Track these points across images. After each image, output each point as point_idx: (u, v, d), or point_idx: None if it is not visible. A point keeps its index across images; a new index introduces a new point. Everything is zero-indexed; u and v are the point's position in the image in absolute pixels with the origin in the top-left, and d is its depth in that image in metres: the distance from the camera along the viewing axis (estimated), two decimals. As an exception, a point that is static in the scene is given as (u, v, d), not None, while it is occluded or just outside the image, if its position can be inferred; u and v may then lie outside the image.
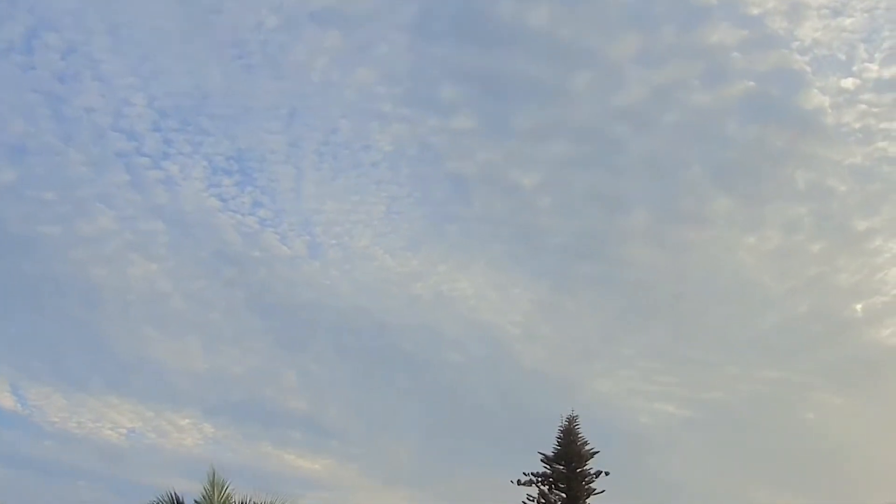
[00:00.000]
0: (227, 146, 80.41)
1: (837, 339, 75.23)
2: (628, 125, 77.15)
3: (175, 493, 31.97)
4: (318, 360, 77.10)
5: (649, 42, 74.93)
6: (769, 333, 75.52)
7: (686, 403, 72.50)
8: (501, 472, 62.97)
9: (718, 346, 75.07)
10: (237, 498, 32.50)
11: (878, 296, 77.10)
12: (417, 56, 77.72)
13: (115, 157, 77.87)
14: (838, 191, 76.94)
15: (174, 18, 76.85)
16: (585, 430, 49.33)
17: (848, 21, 75.07)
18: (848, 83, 75.23)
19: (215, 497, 31.58)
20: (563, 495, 48.92)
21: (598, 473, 49.03)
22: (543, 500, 48.72)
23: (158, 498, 31.60)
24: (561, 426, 49.28)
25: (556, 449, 49.08)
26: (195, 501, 31.25)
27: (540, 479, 49.08)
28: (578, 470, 48.97)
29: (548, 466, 49.15)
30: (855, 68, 75.35)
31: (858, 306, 77.33)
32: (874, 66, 74.90)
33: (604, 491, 48.72)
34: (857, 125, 74.91)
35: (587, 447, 49.02)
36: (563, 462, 49.04)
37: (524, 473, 49.01)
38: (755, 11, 73.67)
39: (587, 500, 48.67)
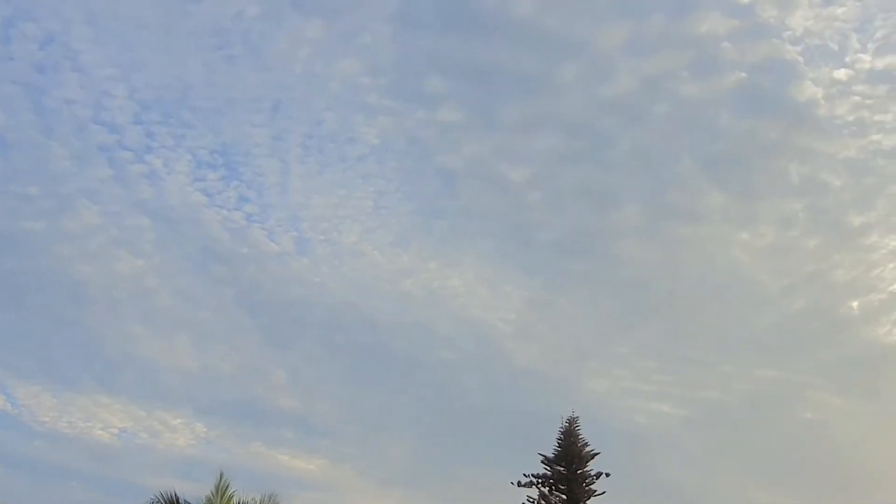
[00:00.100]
0: (211, 139, 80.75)
1: (834, 337, 75.77)
2: (618, 118, 77.50)
3: (175, 494, 32.67)
4: (308, 359, 77.24)
5: (638, 31, 75.09)
6: (765, 332, 75.97)
7: (683, 403, 72.85)
8: (498, 472, 63.36)
9: (714, 345, 75.60)
10: (236, 499, 32.85)
11: (875, 293, 77.38)
12: (402, 47, 77.73)
13: (98, 151, 77.88)
14: (833, 185, 77.16)
15: (152, 7, 76.98)
16: (582, 431, 49.27)
17: (840, 10, 75.62)
18: (841, 74, 75.40)
19: (220, 502, 31.74)
20: (564, 497, 48.93)
21: (598, 475, 49.04)
22: (544, 502, 48.73)
23: (158, 497, 32.45)
24: (561, 427, 49.25)
25: (557, 450, 49.00)
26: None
27: (540, 480, 49.06)
28: (579, 471, 48.97)
29: (548, 468, 49.08)
30: (848, 59, 75.63)
31: (855, 304, 77.62)
32: (867, 57, 75.16)
33: (604, 492, 48.73)
34: (851, 117, 75.06)
35: (588, 448, 49.02)
36: (563, 463, 49.01)
37: (524, 475, 48.95)
38: (746, 0, 74.09)
39: (587, 502, 48.65)
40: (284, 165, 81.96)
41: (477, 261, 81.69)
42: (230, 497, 33.08)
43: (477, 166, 79.84)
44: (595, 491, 48.67)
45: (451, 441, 70.02)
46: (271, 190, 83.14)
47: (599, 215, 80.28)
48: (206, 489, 33.01)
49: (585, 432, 49.23)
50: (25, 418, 71.04)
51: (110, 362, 74.80)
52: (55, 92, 77.39)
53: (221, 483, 33.02)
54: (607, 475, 48.73)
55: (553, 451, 48.92)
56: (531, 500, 48.73)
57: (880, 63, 74.75)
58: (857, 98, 74.58)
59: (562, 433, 49.12)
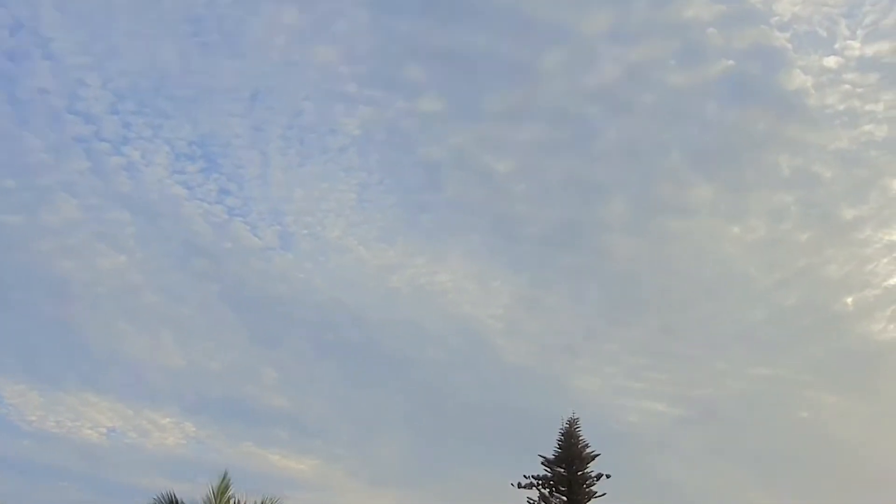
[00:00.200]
0: (189, 130, 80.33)
1: (828, 334, 76.11)
2: (603, 107, 77.45)
3: (174, 495, 32.35)
4: (296, 357, 77.02)
5: (621, 18, 74.63)
6: (758, 328, 76.08)
7: (676, 402, 72.74)
8: (492, 471, 63.96)
9: (706, 342, 75.59)
10: (234, 501, 32.76)
11: (869, 288, 77.44)
12: (379, 33, 77.43)
13: (74, 143, 77.19)
14: (824, 177, 77.27)
15: (123, -9, 75.67)
16: (582, 432, 49.42)
17: (828, -6, 75.05)
18: (830, 62, 75.19)
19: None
20: (564, 499, 49.24)
21: (598, 476, 49.40)
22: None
23: (157, 499, 32.11)
24: (561, 428, 49.46)
25: (557, 451, 49.26)
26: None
27: (540, 481, 49.35)
28: (579, 473, 49.25)
29: (548, 469, 49.40)
30: (837, 46, 75.48)
31: (849, 299, 77.71)
32: (856, 44, 74.92)
33: (605, 494, 49.09)
34: (842, 107, 74.85)
35: (588, 450, 49.28)
36: (563, 465, 49.27)
37: (524, 476, 49.14)
38: (731, -16, 73.31)
39: (588, 504, 48.82)
40: (265, 157, 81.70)
41: (464, 256, 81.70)
42: (229, 499, 32.96)
43: (461, 158, 79.78)
44: (595, 493, 49.08)
45: (444, 440, 70.33)
46: (252, 183, 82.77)
47: (586, 208, 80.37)
48: (200, 489, 33.14)
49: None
50: (12, 417, 70.73)
51: (96, 360, 74.58)
52: (28, 81, 76.96)
53: (221, 484, 32.91)
54: (608, 477, 49.21)
55: (553, 453, 49.19)
56: (531, 501, 48.99)
57: (870, 50, 74.61)
58: (847, 87, 74.56)
59: (562, 434, 49.36)
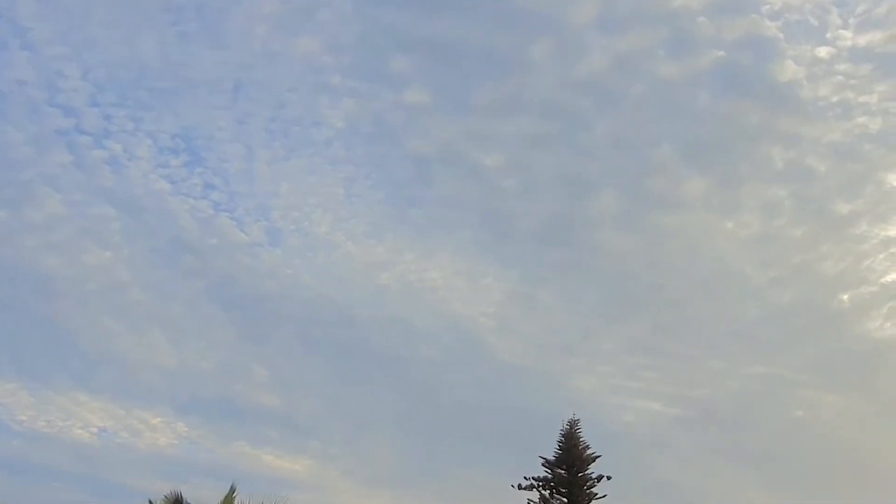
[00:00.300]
0: (172, 123, 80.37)
1: (825, 332, 76.61)
2: (592, 99, 77.95)
3: (180, 495, 33.26)
4: (287, 355, 77.07)
5: (609, 6, 75.40)
6: (753, 326, 76.50)
7: (672, 401, 72.98)
8: (488, 471, 64.50)
9: (701, 340, 76.14)
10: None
11: (866, 285, 77.78)
12: (363, 23, 77.63)
13: (56, 136, 77.56)
14: (818, 171, 77.75)
15: (100, -21, 75.16)
16: (582, 434, 49.58)
17: (819, -18, 74.93)
18: (822, 52, 75.33)
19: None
20: (565, 500, 49.41)
21: (599, 478, 49.67)
22: (544, 505, 48.81)
23: (164, 499, 33.06)
24: (562, 430, 49.63)
25: (557, 453, 49.44)
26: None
27: (541, 483, 49.51)
28: (580, 474, 49.40)
29: (548, 470, 49.51)
30: (829, 35, 75.74)
31: (845, 296, 78.16)
32: (848, 34, 75.17)
33: (605, 496, 49.20)
34: (835, 98, 75.21)
35: (589, 451, 49.46)
36: (564, 466, 49.45)
37: (525, 477, 49.26)
38: (720, -28, 73.36)
39: (588, 505, 49.01)
40: (249, 151, 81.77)
41: (453, 252, 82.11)
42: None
43: (448, 152, 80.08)
44: (596, 494, 49.34)
45: (439, 439, 70.52)
46: (237, 177, 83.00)
47: (577, 203, 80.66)
48: (203, 491, 33.39)
49: None
50: (3, 417, 71.04)
51: (86, 359, 74.64)
52: (6, 72, 77.28)
53: (229, 495, 33.24)
54: (608, 478, 49.49)
55: (553, 454, 49.38)
56: (532, 503, 49.04)
57: (862, 40, 74.82)
58: (840, 78, 74.86)
59: (562, 436, 49.57)
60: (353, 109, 79.72)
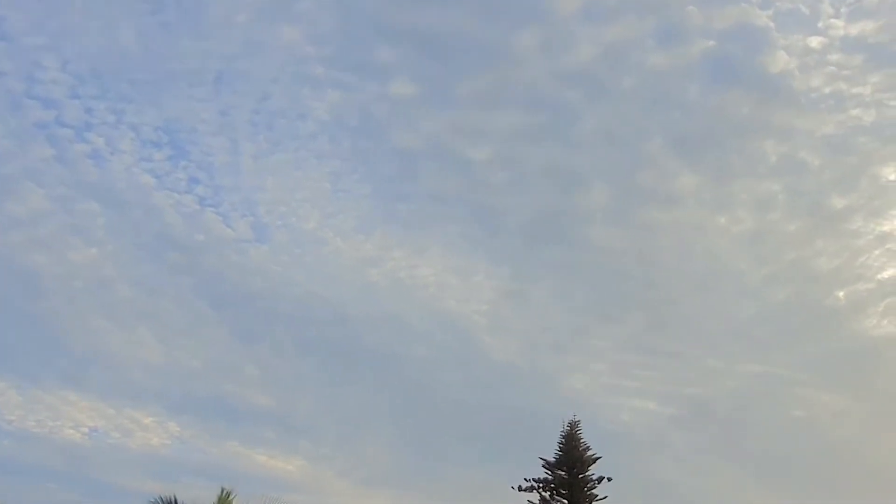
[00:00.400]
0: (154, 115, 79.93)
1: (820, 330, 77.02)
2: (580, 91, 77.98)
3: (174, 498, 33.02)
4: (278, 354, 77.19)
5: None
6: (748, 324, 76.84)
7: (668, 400, 73.38)
8: (485, 472, 65.08)
9: (696, 338, 76.39)
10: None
11: (862, 282, 78.04)
12: (345, 12, 77.67)
13: (35, 129, 77.13)
14: (812, 165, 78.03)
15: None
16: (583, 435, 49.88)
17: (809, -31, 75.05)
18: (814, 42, 75.64)
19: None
20: (565, 502, 49.61)
21: (600, 479, 49.95)
22: (544, 507, 49.07)
23: (157, 501, 32.77)
24: (562, 431, 49.89)
25: (557, 454, 49.71)
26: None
27: (541, 484, 49.72)
28: (580, 476, 49.64)
29: (549, 472, 49.78)
30: (820, 25, 76.17)
31: (840, 293, 78.36)
32: (840, 23, 75.41)
33: (606, 497, 49.46)
34: (828, 90, 75.46)
35: (589, 452, 49.73)
36: (564, 468, 49.66)
37: (525, 479, 49.51)
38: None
39: (589, 507, 49.31)
40: (233, 144, 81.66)
41: (444, 248, 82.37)
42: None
43: (435, 145, 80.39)
44: (597, 496, 49.61)
45: (434, 439, 70.85)
46: (222, 171, 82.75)
47: (567, 198, 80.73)
48: (187, 490, 33.64)
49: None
50: (-8, 416, 70.36)
51: (73, 357, 74.54)
52: (-17, 64, 75.89)
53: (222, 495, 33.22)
54: (609, 480, 49.73)
55: (554, 455, 49.66)
56: (532, 504, 49.29)
57: (854, 29, 75.06)
58: (832, 68, 75.02)
59: (563, 437, 49.83)
60: (337, 101, 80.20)
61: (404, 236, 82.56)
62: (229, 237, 79.66)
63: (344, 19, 77.71)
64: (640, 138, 78.00)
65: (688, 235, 79.84)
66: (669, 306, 77.64)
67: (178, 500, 33.16)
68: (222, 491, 33.15)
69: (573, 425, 49.70)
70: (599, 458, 49.37)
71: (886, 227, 76.51)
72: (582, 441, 49.52)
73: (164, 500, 32.83)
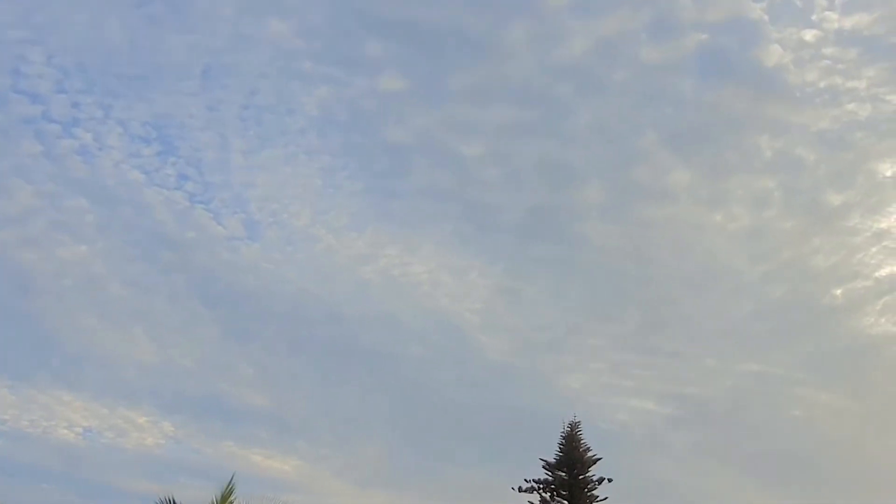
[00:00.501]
0: (142, 110, 79.96)
1: (818, 328, 77.35)
2: (573, 85, 78.34)
3: (173, 499, 32.56)
4: (272, 352, 77.59)
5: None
6: (745, 322, 77.27)
7: (665, 400, 73.78)
8: (482, 471, 65.61)
9: (692, 337, 76.94)
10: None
11: (859, 280, 78.00)
12: (332, 5, 78.49)
13: (23, 124, 77.31)
14: (807, 161, 78.05)
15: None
16: (560, 429, 50.28)
17: (803, -39, 75.26)
18: (808, 35, 75.55)
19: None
20: (566, 503, 49.43)
21: (600, 480, 50.20)
22: (545, 508, 49.42)
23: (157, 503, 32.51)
24: (562, 432, 50.28)
25: (558, 455, 50.10)
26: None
27: (541, 485, 50.17)
28: (581, 477, 49.99)
29: (549, 473, 50.12)
30: (814, 17, 76.21)
31: (838, 291, 78.27)
32: (834, 16, 75.56)
33: (606, 498, 49.84)
34: (823, 84, 75.35)
35: (590, 454, 50.14)
36: (564, 469, 49.97)
37: (525, 480, 49.88)
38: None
39: (589, 508, 49.70)
40: (223, 139, 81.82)
41: (437, 245, 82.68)
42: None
43: (426, 141, 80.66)
44: (597, 497, 49.97)
45: (432, 439, 71.36)
46: (211, 167, 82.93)
47: (560, 195, 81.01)
48: (183, 490, 33.91)
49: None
50: (-16, 416, 70.55)
51: (66, 356, 74.94)
52: (-33, 58, 75.93)
53: (226, 491, 33.45)
54: (609, 480, 50.19)
55: (554, 456, 50.06)
56: (532, 506, 49.68)
57: (848, 22, 75.20)
58: (827, 62, 75.02)
59: (563, 438, 50.22)
60: (326, 96, 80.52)
61: (397, 233, 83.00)
62: (220, 235, 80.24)
63: (332, 13, 78.47)
64: (633, 133, 78.52)
65: (683, 233, 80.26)
66: (666, 305, 78.27)
67: (177, 502, 33.76)
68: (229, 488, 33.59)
69: (574, 426, 50.06)
70: (600, 459, 49.77)
71: (884, 224, 76.55)
72: (582, 442, 49.88)
73: (163, 501, 33.14)
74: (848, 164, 77.76)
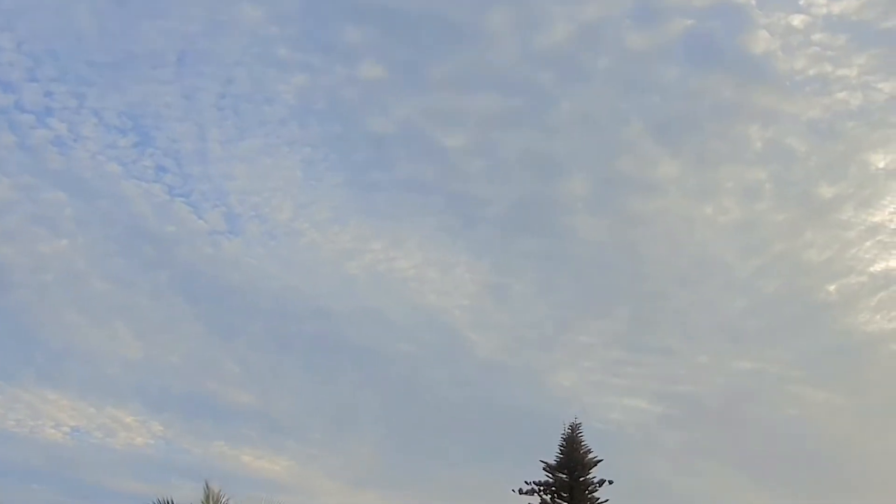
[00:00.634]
0: (116, 99, 79.48)
1: (812, 325, 77.53)
2: (556, 73, 77.71)
3: (171, 501, 33.31)
4: (258, 350, 77.56)
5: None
6: (737, 318, 77.40)
7: (658, 398, 73.94)
8: (476, 470, 66.03)
9: (684, 334, 77.07)
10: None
11: (853, 275, 77.89)
12: None
13: (-5, 114, 75.66)
14: (798, 151, 77.73)
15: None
16: (554, 428, 50.96)
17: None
18: (796, 21, 74.96)
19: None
20: (566, 505, 49.79)
21: (601, 482, 50.67)
22: (545, 510, 49.78)
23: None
24: (563, 434, 50.68)
25: (559, 457, 50.56)
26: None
27: (542, 487, 50.46)
28: (581, 479, 50.40)
29: (550, 475, 50.53)
30: (802, 2, 76.19)
31: (832, 287, 78.19)
32: (822, 0, 75.23)
33: (607, 500, 50.23)
34: (812, 72, 75.05)
35: (590, 455, 50.58)
36: (565, 471, 50.38)
37: (525, 482, 50.25)
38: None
39: (590, 510, 50.05)
40: (200, 129, 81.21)
41: (422, 240, 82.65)
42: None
43: (408, 131, 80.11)
44: (598, 499, 50.32)
45: (422, 438, 71.63)
46: (190, 158, 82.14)
47: (546, 187, 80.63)
48: (173, 490, 34.12)
49: (559, 429, 50.85)
50: (-31, 415, 70.19)
51: (50, 353, 74.59)
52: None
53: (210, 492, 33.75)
54: (610, 482, 50.65)
55: (555, 458, 50.51)
56: (532, 508, 50.01)
57: (836, 7, 74.95)
58: (816, 49, 74.55)
59: (564, 439, 50.64)
60: (304, 85, 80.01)
61: (381, 227, 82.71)
62: (202, 229, 79.88)
63: (306, -3, 77.56)
64: (618, 123, 78.19)
65: (673, 226, 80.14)
66: (657, 300, 78.30)
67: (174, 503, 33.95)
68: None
69: (574, 428, 50.50)
70: (601, 460, 50.28)
71: (877, 218, 76.30)
72: (583, 444, 50.34)
73: (161, 502, 33.11)
74: (840, 155, 77.89)
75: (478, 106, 77.95)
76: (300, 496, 67.30)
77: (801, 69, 74.71)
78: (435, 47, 77.19)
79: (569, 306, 79.61)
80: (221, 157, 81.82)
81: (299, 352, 77.04)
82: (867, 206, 76.68)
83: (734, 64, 74.92)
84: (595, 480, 50.01)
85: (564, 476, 50.00)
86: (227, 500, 33.91)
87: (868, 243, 76.46)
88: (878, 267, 76.74)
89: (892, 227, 76.20)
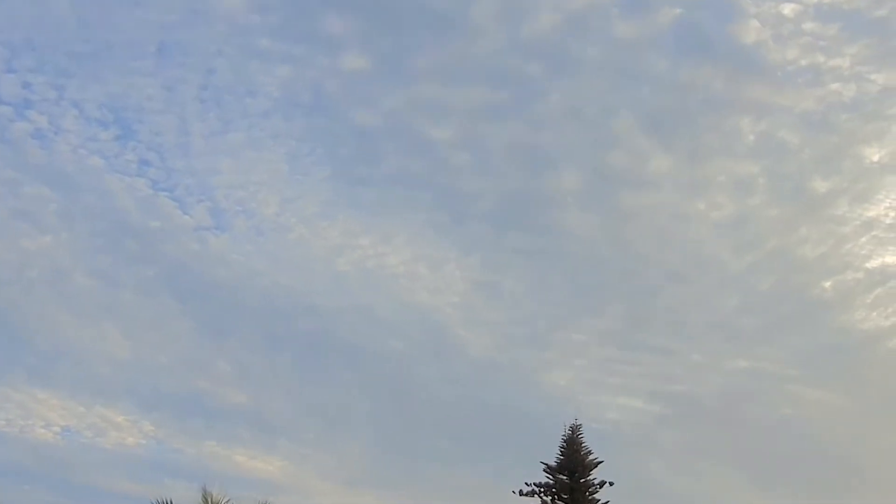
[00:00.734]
0: (97, 91, 79.32)
1: (807, 323, 77.47)
2: (544, 64, 77.60)
3: (170, 501, 33.99)
4: (249, 348, 77.58)
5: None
6: (732, 316, 77.57)
7: (654, 398, 73.91)
8: (471, 469, 65.87)
9: (678, 332, 76.95)
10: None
11: (849, 271, 77.99)
12: None
13: (-29, 106, 75.17)
14: (791, 144, 77.62)
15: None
16: (549, 427, 51.73)
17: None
18: (787, 9, 74.76)
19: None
20: (567, 507, 49.89)
21: (601, 484, 50.80)
22: (546, 512, 49.87)
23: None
24: (563, 435, 50.83)
25: (559, 458, 50.74)
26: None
27: (542, 489, 50.60)
28: (582, 480, 50.55)
29: (550, 476, 50.69)
30: None
31: (827, 284, 78.14)
32: None
33: (608, 502, 50.45)
34: (804, 62, 74.85)
35: (591, 457, 50.81)
36: (566, 472, 50.50)
37: (526, 483, 50.38)
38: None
39: (591, 512, 50.12)
40: (182, 122, 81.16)
41: (411, 235, 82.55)
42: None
43: (394, 124, 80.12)
44: (598, 500, 50.51)
45: (416, 438, 71.72)
46: (173, 152, 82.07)
47: (535, 181, 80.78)
48: (168, 491, 35.61)
49: (555, 428, 51.21)
50: (-42, 415, 69.76)
51: (38, 352, 74.48)
52: None
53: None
54: (611, 484, 50.92)
55: (555, 460, 50.73)
56: (532, 509, 50.07)
57: None
58: (807, 38, 74.30)
59: (564, 441, 50.82)
60: (288, 76, 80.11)
61: (369, 223, 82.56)
62: (187, 224, 79.85)
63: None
64: (607, 115, 78.04)
65: (665, 221, 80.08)
66: (650, 297, 78.54)
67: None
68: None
69: (575, 429, 50.67)
70: (601, 462, 50.51)
71: (872, 213, 76.22)
72: (584, 445, 50.54)
73: (160, 502, 33.56)
74: (833, 148, 77.84)
75: (465, 97, 77.97)
76: (294, 496, 67.58)
77: (793, 59, 74.79)
78: (420, 37, 77.45)
79: (560, 303, 79.93)
80: (205, 150, 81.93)
81: (290, 350, 77.10)
82: (862, 201, 76.89)
83: (725, 54, 75.14)
84: (596, 482, 50.27)
85: (565, 478, 50.21)
86: (228, 501, 34.35)
87: (863, 239, 76.57)
88: (874, 263, 76.81)
89: (888, 222, 76.37)
